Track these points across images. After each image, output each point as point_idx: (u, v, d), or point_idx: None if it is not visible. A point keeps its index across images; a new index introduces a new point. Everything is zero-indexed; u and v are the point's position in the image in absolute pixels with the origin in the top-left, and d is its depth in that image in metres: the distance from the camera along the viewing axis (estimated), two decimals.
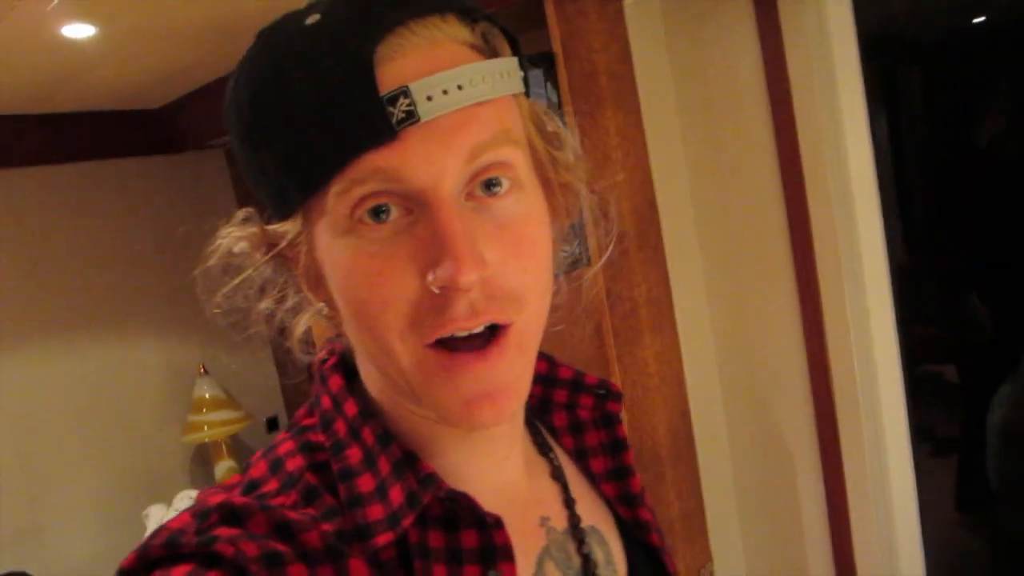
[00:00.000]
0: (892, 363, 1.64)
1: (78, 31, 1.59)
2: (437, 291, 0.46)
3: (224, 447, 2.46)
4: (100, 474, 2.33)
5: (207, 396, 2.40)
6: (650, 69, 1.69)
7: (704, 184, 1.74)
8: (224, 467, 2.45)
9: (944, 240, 2.05)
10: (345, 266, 0.48)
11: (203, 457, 2.55)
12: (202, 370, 2.42)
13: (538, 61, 1.49)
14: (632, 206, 1.62)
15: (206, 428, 2.39)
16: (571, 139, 0.57)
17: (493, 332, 0.49)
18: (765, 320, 1.71)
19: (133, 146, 2.39)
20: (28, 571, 2.02)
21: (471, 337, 0.48)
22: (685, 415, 1.73)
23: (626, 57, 1.64)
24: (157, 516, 2.17)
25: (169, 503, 2.19)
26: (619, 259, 1.57)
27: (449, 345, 0.48)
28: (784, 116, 1.57)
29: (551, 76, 1.50)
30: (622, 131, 1.60)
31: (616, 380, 1.54)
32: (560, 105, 1.49)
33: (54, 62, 1.80)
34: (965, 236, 1.98)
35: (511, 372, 0.49)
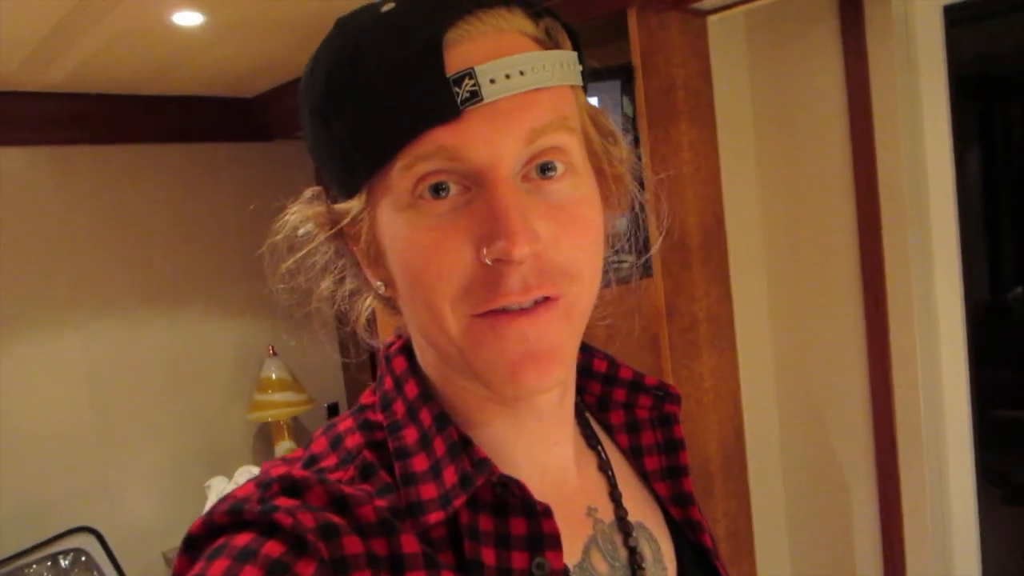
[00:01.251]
0: (961, 400, 1.59)
1: (188, 18, 1.66)
2: (490, 263, 0.48)
3: (285, 428, 2.54)
4: (168, 443, 2.43)
5: (274, 377, 2.49)
6: (729, 87, 1.69)
7: (774, 206, 1.73)
8: (284, 447, 2.53)
9: None
10: (404, 239, 0.50)
11: (265, 435, 2.64)
12: (271, 352, 2.51)
13: (617, 72, 1.50)
14: (699, 221, 1.62)
15: (270, 408, 2.48)
16: (623, 139, 0.58)
17: (542, 303, 0.50)
18: (828, 346, 1.69)
19: (226, 132, 2.51)
20: (96, 527, 2.14)
21: (521, 310, 0.50)
22: (738, 433, 1.72)
23: (705, 73, 1.64)
24: (218, 488, 2.24)
25: (230, 476, 2.27)
26: (681, 273, 1.57)
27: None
28: (864, 145, 1.55)
29: (628, 88, 1.50)
30: (695, 147, 1.60)
31: None
32: (635, 117, 1.49)
33: (163, 48, 1.89)
34: None
35: (556, 336, 0.50)
